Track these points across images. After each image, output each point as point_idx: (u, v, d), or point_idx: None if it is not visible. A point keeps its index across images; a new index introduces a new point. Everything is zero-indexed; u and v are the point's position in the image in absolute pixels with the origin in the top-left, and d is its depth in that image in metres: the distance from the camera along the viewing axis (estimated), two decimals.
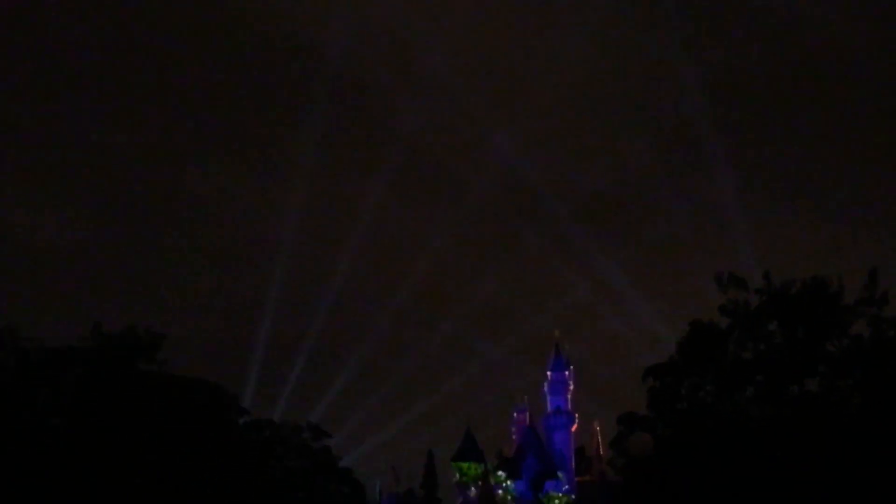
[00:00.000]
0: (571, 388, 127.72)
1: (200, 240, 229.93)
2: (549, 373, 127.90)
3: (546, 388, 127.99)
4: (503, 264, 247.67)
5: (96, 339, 48.30)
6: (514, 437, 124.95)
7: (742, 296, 43.06)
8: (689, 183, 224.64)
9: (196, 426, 47.76)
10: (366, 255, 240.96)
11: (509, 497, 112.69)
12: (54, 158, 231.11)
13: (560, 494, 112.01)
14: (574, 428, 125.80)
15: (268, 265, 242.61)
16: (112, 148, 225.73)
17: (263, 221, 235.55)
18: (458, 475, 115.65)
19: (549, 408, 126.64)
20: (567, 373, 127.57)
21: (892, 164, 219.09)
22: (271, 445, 59.57)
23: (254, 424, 61.76)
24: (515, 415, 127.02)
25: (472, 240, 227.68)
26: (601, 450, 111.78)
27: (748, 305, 42.85)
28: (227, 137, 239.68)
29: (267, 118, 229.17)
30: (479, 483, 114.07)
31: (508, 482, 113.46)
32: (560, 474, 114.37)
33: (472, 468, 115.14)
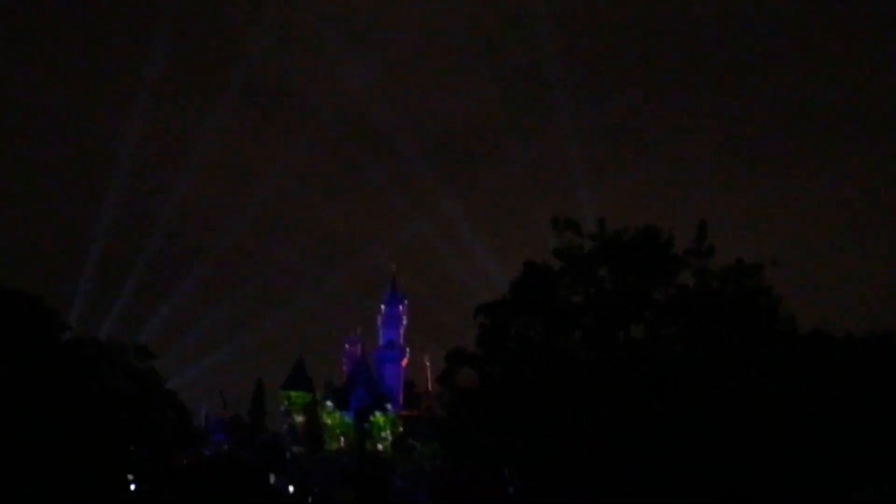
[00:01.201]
0: (405, 322, 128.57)
1: (35, 151, 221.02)
2: (383, 306, 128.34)
3: (379, 322, 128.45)
4: (345, 196, 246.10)
5: None
6: (344, 368, 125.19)
7: (576, 240, 43.64)
8: (533, 128, 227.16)
9: (11, 338, 45.91)
10: (206, 178, 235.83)
11: (336, 427, 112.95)
12: None
13: (385, 416, 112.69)
14: (404, 362, 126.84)
15: (104, 182, 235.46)
16: None
17: (103, 137, 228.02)
18: (286, 403, 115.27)
19: (382, 341, 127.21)
20: (401, 307, 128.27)
21: (728, 124, 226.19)
22: (95, 364, 57.76)
23: (76, 341, 59.81)
24: (347, 346, 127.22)
25: (314, 169, 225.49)
26: (430, 385, 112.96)
27: (581, 250, 43.45)
28: (69, 49, 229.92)
29: (111, 31, 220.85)
30: (307, 412, 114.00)
31: (336, 412, 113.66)
32: (388, 407, 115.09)
33: (301, 397, 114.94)
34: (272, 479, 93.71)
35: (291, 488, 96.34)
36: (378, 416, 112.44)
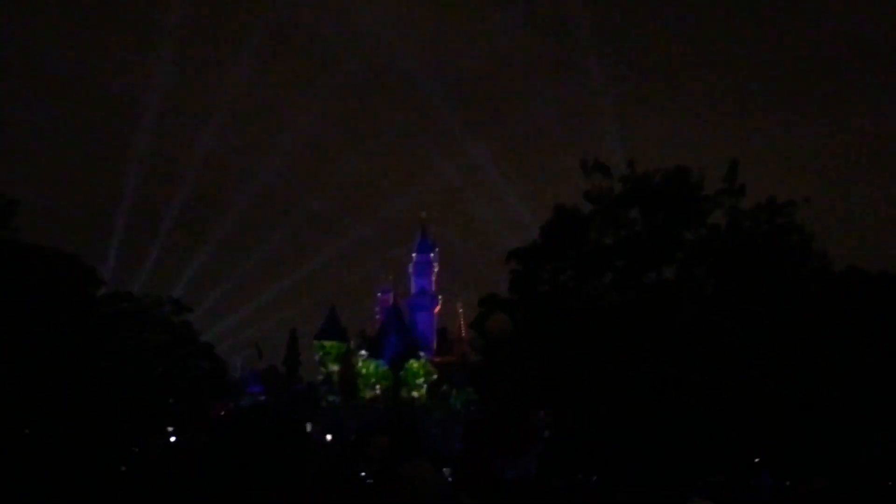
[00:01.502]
0: (436, 270, 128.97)
1: (59, 104, 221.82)
2: (414, 254, 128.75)
3: (411, 270, 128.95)
4: (372, 143, 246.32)
5: None
6: (377, 317, 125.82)
7: (606, 183, 43.42)
8: (560, 68, 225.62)
9: (50, 296, 46.50)
10: (232, 128, 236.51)
11: (370, 375, 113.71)
12: None
13: (419, 364, 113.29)
14: (437, 309, 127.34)
15: (130, 134, 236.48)
16: None
17: (127, 88, 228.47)
18: (320, 353, 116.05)
19: (414, 289, 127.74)
20: (432, 255, 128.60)
21: (761, 60, 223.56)
22: (129, 318, 58.44)
23: (112, 297, 60.50)
24: (379, 295, 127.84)
25: (341, 117, 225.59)
26: (463, 331, 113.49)
27: (611, 192, 43.28)
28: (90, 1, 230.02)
29: None
30: (341, 361, 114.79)
31: (370, 360, 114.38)
32: (421, 354, 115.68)
33: (335, 346, 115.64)
34: (308, 427, 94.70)
35: (329, 436, 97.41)
36: (412, 364, 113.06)
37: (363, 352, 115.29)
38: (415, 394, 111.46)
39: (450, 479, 37.95)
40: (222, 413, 75.55)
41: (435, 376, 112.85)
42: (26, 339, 45.07)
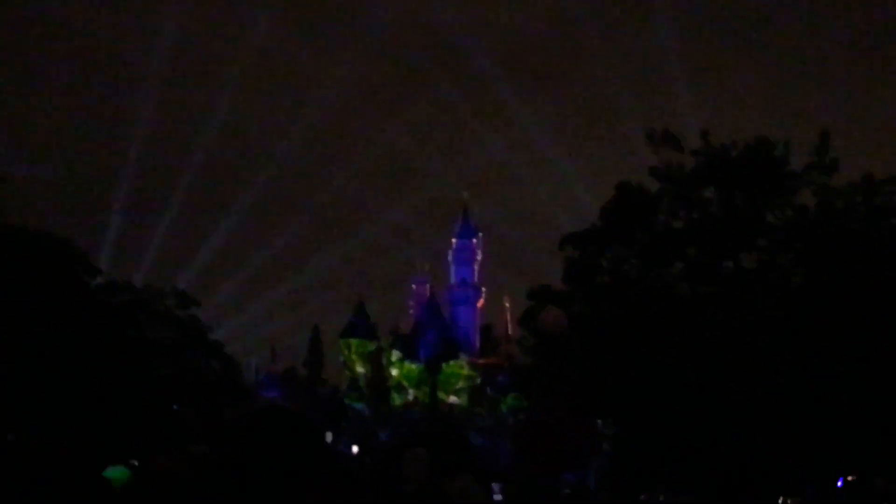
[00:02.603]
0: (479, 257, 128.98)
1: (56, 72, 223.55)
2: (454, 240, 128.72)
3: (451, 258, 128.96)
4: (408, 114, 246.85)
5: None
6: (411, 311, 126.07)
7: (676, 157, 43.14)
8: (626, 31, 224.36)
9: (38, 286, 46.85)
10: (248, 96, 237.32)
11: (404, 379, 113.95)
12: None
13: (459, 365, 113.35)
14: (480, 303, 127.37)
15: (133, 106, 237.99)
16: None
17: (129, 55, 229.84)
18: (346, 353, 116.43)
19: (454, 279, 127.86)
20: (475, 240, 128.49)
21: (848, 24, 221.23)
22: (130, 312, 58.83)
23: (109, 287, 60.91)
24: (414, 286, 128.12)
25: (373, 83, 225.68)
26: (510, 329, 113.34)
27: (682, 168, 43.00)
28: None
29: None
30: (371, 362, 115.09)
31: (404, 362, 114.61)
32: (462, 355, 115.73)
33: (363, 345, 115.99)
34: (329, 437, 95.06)
35: (355, 448, 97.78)
36: (451, 365, 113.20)
37: (396, 351, 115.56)
38: (455, 399, 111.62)
39: (498, 496, 37.87)
40: (232, 419, 75.99)
41: (478, 380, 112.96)
42: (7, 335, 45.44)
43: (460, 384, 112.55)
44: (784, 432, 36.35)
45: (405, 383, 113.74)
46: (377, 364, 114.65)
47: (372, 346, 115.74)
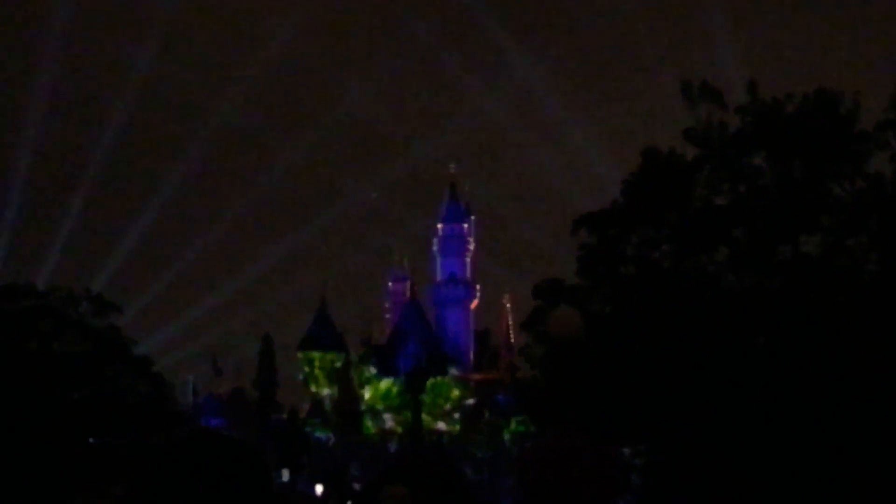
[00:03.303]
0: (472, 246, 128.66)
1: None
2: (440, 225, 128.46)
3: (436, 248, 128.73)
4: (380, 67, 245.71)
5: None
6: (388, 316, 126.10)
7: (717, 115, 43.10)
8: None
9: None
10: (180, 47, 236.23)
11: (379, 400, 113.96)
12: None
13: (448, 382, 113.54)
14: (474, 304, 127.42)
15: (32, 60, 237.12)
16: None
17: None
18: (307, 369, 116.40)
19: (440, 275, 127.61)
20: (466, 226, 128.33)
21: None
22: (32, 320, 58.69)
23: (5, 291, 60.79)
24: (391, 285, 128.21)
25: (338, 30, 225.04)
26: (511, 336, 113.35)
27: (726, 129, 42.96)
28: None
29: None
30: (337, 380, 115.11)
31: (379, 379, 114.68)
32: (453, 370, 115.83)
33: (328, 360, 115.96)
34: (285, 475, 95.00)
35: (319, 488, 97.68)
36: (439, 383, 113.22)
37: (369, 367, 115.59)
38: (443, 424, 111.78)
39: None
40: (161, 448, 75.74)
41: (472, 400, 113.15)
42: None
43: (450, 406, 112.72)
44: (877, 455, 36.30)
45: (380, 406, 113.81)
46: (346, 382, 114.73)
47: (339, 361, 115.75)
